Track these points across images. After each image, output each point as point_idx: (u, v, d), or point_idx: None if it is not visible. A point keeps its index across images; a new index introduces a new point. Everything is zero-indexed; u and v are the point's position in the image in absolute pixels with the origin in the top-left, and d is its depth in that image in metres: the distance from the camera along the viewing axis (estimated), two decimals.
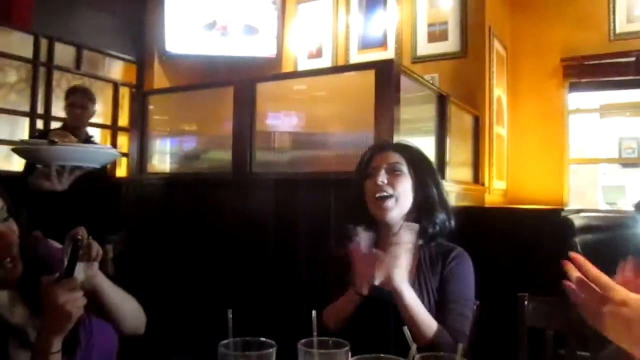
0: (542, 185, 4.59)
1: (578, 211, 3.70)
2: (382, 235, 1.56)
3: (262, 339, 0.98)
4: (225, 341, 0.97)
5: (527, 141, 4.70)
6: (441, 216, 1.55)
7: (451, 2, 4.37)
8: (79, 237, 1.16)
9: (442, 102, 3.65)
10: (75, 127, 3.31)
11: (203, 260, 2.72)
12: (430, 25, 4.47)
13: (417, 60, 4.47)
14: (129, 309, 1.35)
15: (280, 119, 3.71)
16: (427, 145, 3.51)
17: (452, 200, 3.30)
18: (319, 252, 1.73)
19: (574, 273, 0.92)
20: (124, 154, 4.70)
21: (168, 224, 3.14)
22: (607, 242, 3.22)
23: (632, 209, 3.50)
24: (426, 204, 1.55)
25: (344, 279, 1.48)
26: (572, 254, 0.93)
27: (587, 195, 5.99)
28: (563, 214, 3.34)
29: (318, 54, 5.06)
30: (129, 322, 1.35)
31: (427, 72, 4.21)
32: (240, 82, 3.20)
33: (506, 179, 4.67)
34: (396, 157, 1.56)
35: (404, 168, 1.55)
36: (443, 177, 3.45)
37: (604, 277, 0.90)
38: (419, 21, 4.52)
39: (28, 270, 1.18)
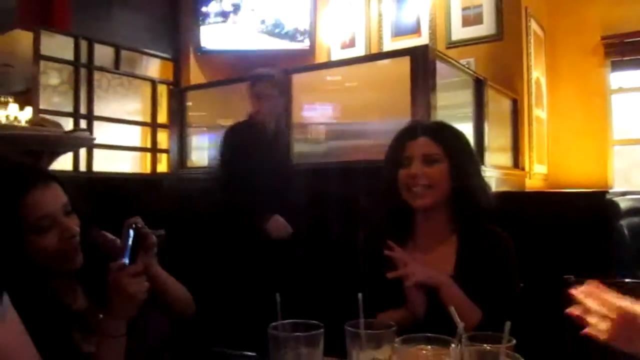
0: (584, 169, 4.48)
1: (623, 194, 3.59)
2: (418, 220, 1.53)
3: (310, 321, 1.00)
4: (275, 323, 0.99)
5: (568, 123, 4.59)
6: (479, 200, 1.49)
7: None
8: (139, 224, 1.21)
9: (479, 86, 3.60)
10: (261, 122, 2.90)
11: (245, 250, 2.76)
12: (464, 9, 4.40)
13: (452, 45, 4.42)
14: (181, 295, 1.39)
15: (315, 110, 3.73)
16: (465, 131, 3.46)
17: (492, 186, 3.26)
18: (356, 239, 1.72)
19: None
20: (164, 150, 4.83)
21: (209, 217, 3.20)
22: None
23: None
24: (463, 189, 1.48)
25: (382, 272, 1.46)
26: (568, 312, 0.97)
27: (632, 178, 5.81)
28: (608, 196, 3.24)
29: (351, 43, 5.05)
30: (182, 308, 1.39)
31: (463, 57, 4.15)
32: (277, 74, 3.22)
33: (547, 163, 4.58)
34: (431, 145, 1.49)
35: (439, 156, 1.48)
36: (482, 163, 3.41)
37: (619, 301, 0.90)
38: (452, 5, 4.46)
39: (87, 260, 1.23)
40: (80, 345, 1.18)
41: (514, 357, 0.81)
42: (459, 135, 1.57)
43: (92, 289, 1.26)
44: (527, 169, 4.14)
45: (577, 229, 3.01)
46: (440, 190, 1.47)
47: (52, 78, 4.38)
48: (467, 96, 3.64)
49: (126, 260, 1.16)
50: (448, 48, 4.38)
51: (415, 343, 0.91)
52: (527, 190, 4.05)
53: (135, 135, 4.94)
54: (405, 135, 1.55)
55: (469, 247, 1.48)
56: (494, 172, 3.57)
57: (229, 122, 4.28)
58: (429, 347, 0.90)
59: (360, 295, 1.05)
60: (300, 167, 3.05)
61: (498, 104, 3.95)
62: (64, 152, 2.23)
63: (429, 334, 0.92)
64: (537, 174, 4.33)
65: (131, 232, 1.19)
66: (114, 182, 3.90)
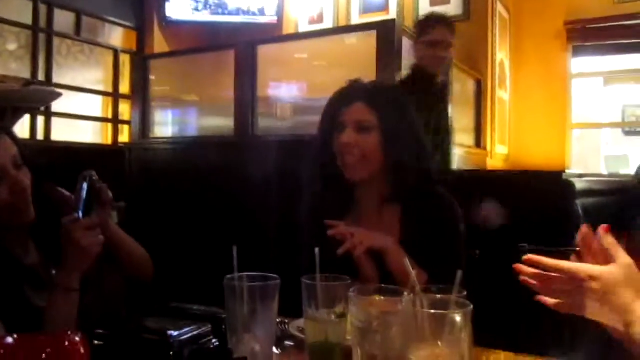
0: (544, 151, 4.59)
1: (580, 175, 3.70)
2: (357, 190, 1.47)
3: (266, 274, 1.00)
4: (231, 275, 0.99)
5: (529, 105, 4.69)
6: (416, 172, 1.41)
7: None
8: (94, 177, 1.18)
9: None
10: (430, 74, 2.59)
11: (206, 217, 2.75)
12: None
13: None
14: (138, 257, 1.38)
15: (281, 86, 3.71)
16: None
17: (454, 164, 3.31)
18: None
19: (528, 270, 0.96)
20: (126, 122, 4.72)
21: (170, 186, 3.17)
22: (609, 206, 3.23)
23: (635, 175, 3.51)
24: (399, 161, 1.39)
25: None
26: (523, 260, 0.98)
27: (589, 163, 5.99)
28: (564, 176, 3.34)
29: (319, 19, 5.01)
30: (139, 268, 1.38)
31: None
32: (242, 45, 3.19)
33: (508, 144, 4.68)
34: (365, 112, 1.39)
35: (374, 122, 1.38)
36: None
37: (562, 263, 0.93)
38: None
39: (40, 216, 1.21)
40: (32, 300, 1.16)
41: (464, 304, 0.83)
42: (397, 99, 1.48)
43: (45, 243, 1.24)
44: (488, 148, 4.21)
45: (534, 207, 3.09)
46: (374, 162, 1.40)
47: (10, 43, 4.21)
48: None
49: (80, 214, 1.14)
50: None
51: (369, 294, 0.92)
52: (488, 169, 4.13)
53: (96, 106, 4.81)
54: (340, 99, 1.45)
55: (413, 214, 1.43)
56: (456, 150, 3.62)
57: (193, 93, 4.26)
58: (382, 297, 0.91)
59: (317, 249, 1.06)
60: (262, 139, 3.04)
61: (462, 84, 3.99)
62: (28, 108, 2.13)
63: (382, 285, 0.94)
64: (498, 154, 4.41)
65: (85, 185, 1.17)
66: (73, 151, 3.81)
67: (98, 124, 4.83)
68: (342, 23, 4.82)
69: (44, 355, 0.57)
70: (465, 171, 3.49)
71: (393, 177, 1.42)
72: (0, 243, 1.16)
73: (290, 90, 3.78)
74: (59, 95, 1.93)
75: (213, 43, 4.90)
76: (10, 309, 1.10)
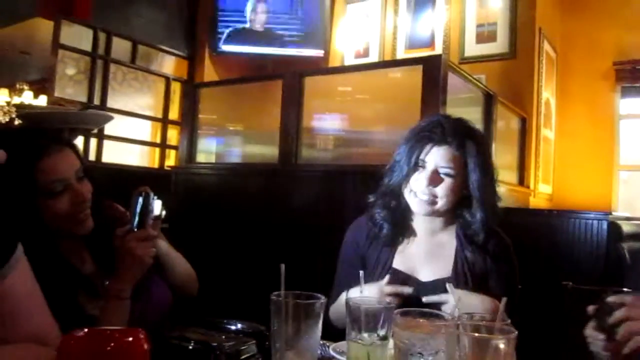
0: (589, 191, 4.50)
1: (627, 218, 3.61)
2: (418, 220, 1.52)
3: (312, 293, 1.03)
4: (277, 292, 1.02)
5: (575, 145, 4.62)
6: (484, 214, 1.45)
7: (501, 3, 4.34)
8: (149, 193, 1.25)
9: (489, 101, 3.64)
10: None
11: (248, 240, 2.80)
12: (479, 25, 4.45)
13: (465, 61, 4.46)
14: (185, 271, 1.43)
15: (326, 117, 3.77)
16: None
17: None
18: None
19: None
20: (173, 147, 4.88)
21: (214, 210, 3.23)
22: None
23: None
24: (471, 202, 1.44)
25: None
26: None
27: (636, 204, 5.82)
28: (610, 218, 3.26)
29: (365, 53, 5.10)
30: (185, 283, 1.43)
31: (475, 73, 4.18)
32: (289, 75, 3.27)
33: (552, 183, 4.60)
34: (451, 159, 1.42)
35: (458, 170, 1.42)
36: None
37: None
38: (467, 21, 4.51)
39: (97, 226, 1.27)
40: (85, 308, 1.21)
41: (509, 331, 0.83)
42: (482, 142, 1.49)
43: (100, 254, 1.30)
44: (532, 187, 4.15)
45: (579, 249, 3.03)
46: (447, 202, 1.44)
47: (69, 68, 4.43)
48: (476, 113, 3.67)
49: (134, 226, 1.20)
50: (461, 63, 4.41)
51: (413, 316, 0.94)
52: (531, 207, 4.07)
53: (145, 131, 4.99)
54: (429, 136, 1.45)
55: (469, 248, 1.48)
56: (500, 187, 3.58)
57: (240, 121, 4.36)
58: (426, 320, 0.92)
59: (362, 272, 1.08)
60: (306, 168, 3.09)
61: (507, 122, 3.98)
62: (84, 129, 2.24)
63: (425, 310, 0.95)
64: (541, 193, 4.34)
65: (140, 199, 1.23)
66: (123, 173, 3.94)
67: (146, 148, 5.00)
68: (388, 58, 4.89)
69: (108, 348, 0.61)
70: (509, 209, 3.46)
71: (461, 214, 1.47)
72: (59, 252, 1.23)
73: (333, 122, 3.85)
74: (112, 118, 2.05)
75: (260, 73, 5.04)
76: (64, 316, 1.14)
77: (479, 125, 3.64)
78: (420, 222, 1.53)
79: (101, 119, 2.16)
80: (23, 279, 0.97)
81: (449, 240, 1.51)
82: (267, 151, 3.67)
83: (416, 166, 1.44)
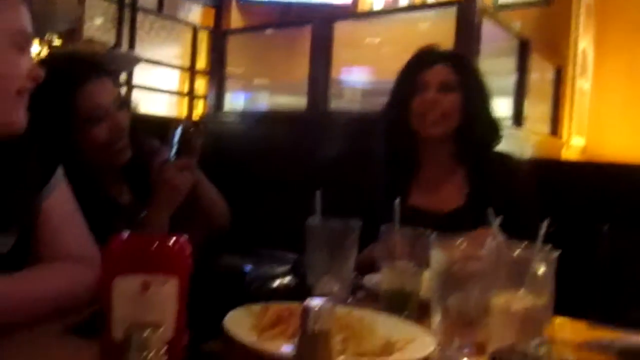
0: (625, 145, 4.36)
1: None
2: (425, 152, 1.53)
3: (348, 219, 1.02)
4: (314, 217, 1.02)
5: (612, 98, 4.46)
6: (488, 133, 1.52)
7: None
8: (188, 125, 1.26)
9: (523, 50, 3.52)
10: None
11: (276, 191, 2.81)
12: None
13: (500, 8, 4.31)
14: (219, 203, 1.44)
15: (352, 68, 3.71)
16: (505, 94, 3.43)
17: (528, 152, 3.22)
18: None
19: None
20: (200, 97, 4.87)
21: (242, 159, 3.24)
22: None
23: None
24: (473, 120, 1.49)
25: None
26: None
27: None
28: None
29: (394, 3, 4.97)
30: (217, 216, 1.44)
31: (509, 21, 4.05)
32: (319, 21, 3.21)
33: (586, 135, 4.48)
34: (448, 73, 1.49)
35: (455, 84, 1.48)
36: (519, 125, 3.37)
37: None
38: None
39: (134, 159, 1.28)
40: None
41: (549, 253, 0.82)
42: (474, 67, 1.60)
43: (137, 186, 1.31)
44: (564, 138, 4.06)
45: (613, 202, 2.96)
46: (452, 120, 1.48)
47: (97, 17, 4.42)
48: (509, 64, 3.56)
49: (172, 156, 1.21)
50: (495, 10, 4.26)
51: (450, 240, 0.92)
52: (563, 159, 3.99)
53: (173, 81, 4.98)
54: (421, 61, 1.53)
55: (479, 177, 1.49)
56: (531, 137, 3.52)
57: (265, 75, 4.33)
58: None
59: (397, 200, 1.07)
60: (334, 115, 3.07)
61: (541, 72, 3.87)
62: (114, 70, 2.22)
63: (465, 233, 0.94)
64: (574, 146, 4.24)
65: (179, 131, 1.24)
66: (152, 122, 3.96)
67: (174, 98, 5.00)
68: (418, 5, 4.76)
69: (151, 251, 0.62)
70: (539, 160, 3.39)
71: (464, 137, 1.48)
72: (96, 181, 1.24)
73: (361, 72, 3.79)
74: (141, 60, 2.04)
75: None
76: (101, 245, 1.17)
77: (512, 75, 3.54)
78: (427, 152, 1.53)
79: (131, 61, 2.16)
80: (63, 201, 0.98)
81: (457, 167, 1.52)
82: (296, 101, 3.66)
83: (416, 90, 1.48)
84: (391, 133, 1.55)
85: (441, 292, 0.88)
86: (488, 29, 3.03)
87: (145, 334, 0.53)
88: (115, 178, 1.31)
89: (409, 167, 1.54)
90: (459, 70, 1.49)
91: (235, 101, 4.12)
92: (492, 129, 1.53)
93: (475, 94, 1.50)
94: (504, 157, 1.54)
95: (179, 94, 4.99)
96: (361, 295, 1.17)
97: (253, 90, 4.38)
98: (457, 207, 1.46)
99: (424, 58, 1.54)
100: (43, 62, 1.31)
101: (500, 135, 1.54)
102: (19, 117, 0.86)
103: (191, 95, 4.97)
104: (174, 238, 0.63)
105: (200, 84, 4.95)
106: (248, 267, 0.99)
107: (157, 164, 1.22)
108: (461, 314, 0.86)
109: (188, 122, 1.29)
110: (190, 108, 4.94)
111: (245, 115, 3.66)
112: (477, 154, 1.50)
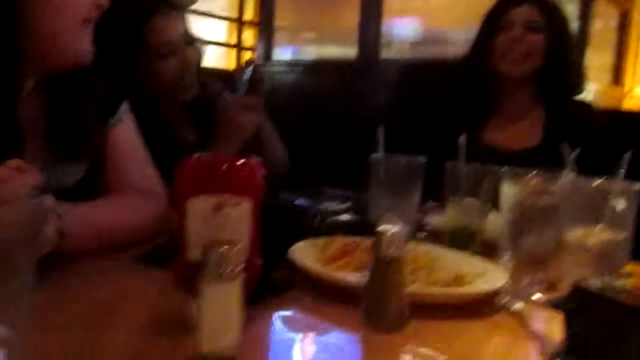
0: None
1: None
2: (504, 91, 1.53)
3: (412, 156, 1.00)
4: (376, 154, 1.00)
5: None
6: (571, 75, 1.53)
7: None
8: (258, 65, 1.25)
9: None
10: None
11: (329, 139, 2.80)
12: None
13: None
14: (279, 147, 1.44)
15: (405, 16, 3.61)
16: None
17: (588, 101, 3.09)
18: None
19: None
20: (248, 48, 4.85)
21: (293, 108, 3.23)
22: None
23: None
24: (558, 62, 1.49)
25: None
26: None
27: None
28: None
29: None
30: (279, 160, 1.44)
31: None
32: None
33: None
34: (534, 12, 1.50)
35: (541, 24, 1.48)
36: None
37: None
38: None
39: (200, 97, 1.29)
40: None
41: (629, 186, 0.77)
42: (559, 9, 1.58)
43: (202, 124, 1.32)
44: (627, 88, 3.86)
45: None
46: (536, 60, 1.47)
47: None
48: (572, 10, 3.37)
49: (240, 95, 1.21)
50: None
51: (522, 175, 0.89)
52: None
53: (220, 33, 4.96)
54: (508, 0, 1.53)
55: (557, 118, 1.49)
56: (590, 85, 3.35)
57: (314, 25, 4.26)
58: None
59: (463, 137, 1.04)
60: (386, 62, 3.01)
61: (605, 17, 3.66)
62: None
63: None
64: (638, 95, 4.03)
65: (248, 71, 1.23)
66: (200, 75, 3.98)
67: (220, 51, 4.99)
68: None
69: (223, 172, 0.61)
70: (601, 109, 3.24)
71: (547, 78, 1.48)
72: (163, 119, 1.26)
73: (411, 22, 3.68)
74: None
75: None
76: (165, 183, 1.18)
77: (573, 21, 3.36)
78: (506, 91, 1.53)
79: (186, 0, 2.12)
80: (129, 134, 0.99)
81: (535, 107, 1.52)
82: (343, 52, 3.60)
83: (501, 28, 1.49)
84: (471, 71, 1.57)
85: (511, 228, 0.85)
86: None
87: (222, 250, 0.53)
88: (181, 117, 1.32)
89: (485, 106, 1.54)
90: (545, 11, 1.50)
91: (283, 52, 4.09)
92: (575, 73, 1.55)
93: (559, 37, 1.50)
94: (584, 103, 1.55)
95: (227, 45, 4.98)
96: (421, 235, 1.15)
97: (301, 41, 4.33)
98: (531, 146, 1.47)
99: None
100: None
101: (583, 81, 1.56)
102: (85, 46, 0.86)
103: (239, 46, 4.95)
104: (247, 160, 0.62)
105: (248, 35, 4.92)
106: (307, 203, 0.97)
107: (224, 102, 1.22)
108: (532, 250, 0.84)
109: (257, 63, 1.28)
110: (238, 59, 4.93)
111: (294, 65, 3.62)
112: (558, 96, 1.50)
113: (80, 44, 0.85)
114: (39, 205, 0.47)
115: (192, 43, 1.28)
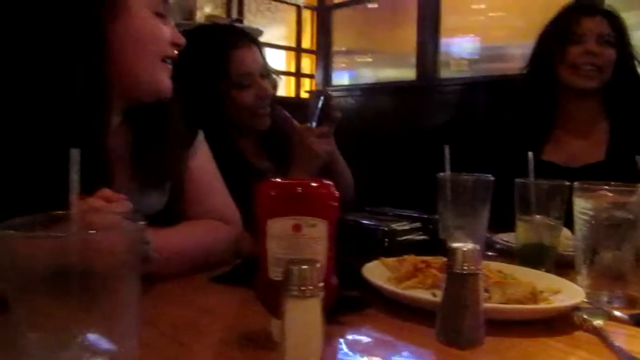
0: None
1: None
2: (569, 104, 1.49)
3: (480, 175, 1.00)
4: (444, 173, 1.01)
5: None
6: (636, 90, 1.49)
7: None
8: (329, 95, 1.30)
9: None
10: None
11: (390, 154, 2.82)
12: None
13: None
14: (347, 175, 1.48)
15: (458, 37, 3.60)
16: None
17: None
18: None
19: None
20: (307, 75, 4.96)
21: (353, 131, 3.27)
22: None
23: None
24: (626, 77, 1.47)
25: None
26: None
27: None
28: None
29: None
30: (347, 187, 1.48)
31: None
32: None
33: None
34: (607, 25, 1.46)
35: (613, 37, 1.46)
36: None
37: None
38: None
39: (273, 126, 1.35)
40: None
41: None
42: (625, 25, 1.54)
43: (275, 152, 1.38)
44: None
45: None
46: (606, 74, 1.45)
47: (206, 5, 4.61)
48: (635, 18, 3.26)
49: (313, 124, 1.26)
50: None
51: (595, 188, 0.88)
52: None
53: (280, 61, 5.09)
54: (580, 9, 1.50)
55: (622, 132, 1.46)
56: None
57: (371, 48, 4.31)
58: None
59: (530, 153, 1.04)
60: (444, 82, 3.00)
61: None
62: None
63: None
64: None
65: (320, 101, 1.28)
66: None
67: (282, 78, 5.11)
68: None
69: (301, 194, 0.64)
70: None
71: (614, 93, 1.47)
72: (239, 147, 1.32)
73: (468, 39, 3.66)
74: (262, 32, 2.10)
75: None
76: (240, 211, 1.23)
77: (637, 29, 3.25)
78: (571, 105, 1.50)
79: (255, 32, 2.22)
80: (206, 162, 1.05)
81: (600, 121, 1.50)
82: (402, 74, 3.63)
83: (571, 40, 1.46)
84: (537, 84, 1.53)
85: (587, 244, 0.84)
86: None
87: (304, 267, 0.56)
88: (255, 145, 1.38)
89: (549, 121, 1.52)
90: (615, 25, 1.48)
91: (341, 77, 4.16)
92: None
93: (628, 52, 1.49)
94: None
95: (287, 73, 5.10)
96: (492, 253, 1.14)
97: (359, 65, 4.39)
98: (594, 162, 1.44)
99: (582, 8, 1.52)
100: (193, 32, 1.39)
101: None
102: (165, 81, 0.92)
103: (298, 74, 5.07)
104: (322, 183, 0.65)
105: (306, 63, 5.03)
106: (375, 224, 0.99)
107: (299, 130, 1.28)
108: (610, 266, 0.82)
109: (328, 93, 1.33)
110: (298, 87, 5.04)
111: (353, 89, 3.68)
112: (624, 110, 1.48)
113: (160, 80, 0.91)
114: (140, 229, 0.50)
115: (268, 74, 1.35)
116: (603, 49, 1.44)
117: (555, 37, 1.49)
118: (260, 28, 4.80)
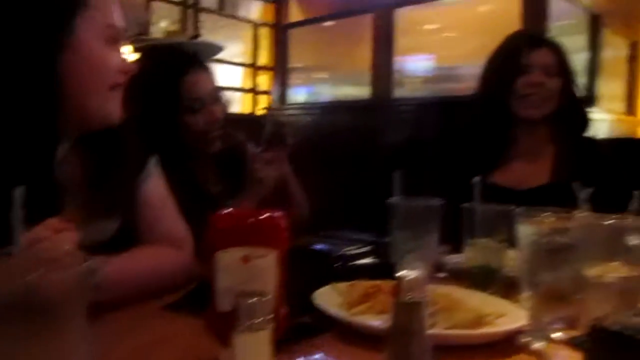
0: None
1: None
2: (519, 131, 1.54)
3: (429, 199, 1.03)
4: (394, 197, 1.03)
5: None
6: (581, 116, 1.58)
7: None
8: (280, 119, 1.31)
9: (594, 25, 3.38)
10: None
11: (342, 175, 2.84)
12: None
13: None
14: (301, 197, 1.49)
15: (412, 56, 3.68)
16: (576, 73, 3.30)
17: (602, 132, 3.10)
18: None
19: None
20: (264, 92, 4.96)
21: (308, 149, 3.29)
22: None
23: None
24: (571, 104, 1.54)
25: None
26: None
27: None
28: None
29: None
30: (301, 209, 1.48)
31: None
32: (380, 9, 3.21)
33: None
34: (552, 57, 1.53)
35: (558, 68, 1.52)
36: (592, 105, 3.24)
37: None
38: None
39: (224, 150, 1.34)
40: None
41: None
42: (567, 54, 1.61)
43: (226, 175, 1.37)
44: None
45: None
46: (553, 103, 1.50)
47: (162, 20, 4.57)
48: (580, 41, 3.42)
49: (261, 149, 1.26)
50: None
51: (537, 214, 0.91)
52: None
53: (236, 78, 5.09)
54: (526, 43, 1.55)
55: (565, 157, 1.52)
56: (606, 116, 3.37)
57: (327, 66, 4.35)
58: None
59: (477, 178, 1.07)
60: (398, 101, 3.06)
61: (614, 48, 3.70)
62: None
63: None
64: None
65: (268, 124, 1.29)
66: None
67: (237, 95, 5.11)
68: None
69: (250, 225, 0.65)
70: (615, 139, 3.25)
71: (561, 119, 1.52)
72: (190, 170, 1.31)
73: (422, 59, 3.75)
74: (222, 49, 2.08)
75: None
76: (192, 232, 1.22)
77: (583, 52, 3.40)
78: (520, 132, 1.55)
79: (213, 49, 2.21)
80: (158, 187, 1.04)
81: (547, 146, 1.55)
82: (358, 92, 3.67)
83: (519, 71, 1.51)
84: (487, 113, 1.57)
85: (530, 267, 0.87)
86: (556, 5, 2.93)
87: (252, 301, 0.56)
88: (206, 167, 1.38)
89: (499, 147, 1.56)
90: (558, 55, 1.53)
91: (297, 94, 4.18)
92: (584, 113, 1.59)
93: (572, 80, 1.56)
94: (592, 140, 1.59)
95: (242, 90, 5.10)
96: (442, 275, 1.17)
97: (315, 82, 4.43)
98: (539, 185, 1.49)
99: (528, 40, 1.57)
100: (146, 55, 1.38)
101: (589, 119, 1.59)
102: (114, 109, 0.91)
103: (254, 90, 5.07)
104: (272, 213, 0.66)
105: (262, 80, 5.04)
106: (327, 248, 1.00)
107: (249, 156, 1.28)
108: (552, 288, 0.85)
109: (281, 117, 1.34)
110: (254, 104, 5.04)
111: (309, 107, 3.70)
112: (570, 136, 1.54)
113: (110, 108, 0.91)
114: (89, 269, 0.50)
115: (219, 97, 1.35)
116: (549, 79, 1.49)
117: (504, 69, 1.54)
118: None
